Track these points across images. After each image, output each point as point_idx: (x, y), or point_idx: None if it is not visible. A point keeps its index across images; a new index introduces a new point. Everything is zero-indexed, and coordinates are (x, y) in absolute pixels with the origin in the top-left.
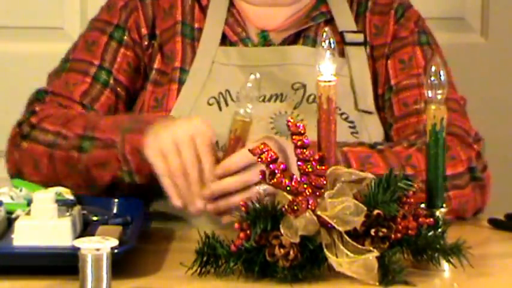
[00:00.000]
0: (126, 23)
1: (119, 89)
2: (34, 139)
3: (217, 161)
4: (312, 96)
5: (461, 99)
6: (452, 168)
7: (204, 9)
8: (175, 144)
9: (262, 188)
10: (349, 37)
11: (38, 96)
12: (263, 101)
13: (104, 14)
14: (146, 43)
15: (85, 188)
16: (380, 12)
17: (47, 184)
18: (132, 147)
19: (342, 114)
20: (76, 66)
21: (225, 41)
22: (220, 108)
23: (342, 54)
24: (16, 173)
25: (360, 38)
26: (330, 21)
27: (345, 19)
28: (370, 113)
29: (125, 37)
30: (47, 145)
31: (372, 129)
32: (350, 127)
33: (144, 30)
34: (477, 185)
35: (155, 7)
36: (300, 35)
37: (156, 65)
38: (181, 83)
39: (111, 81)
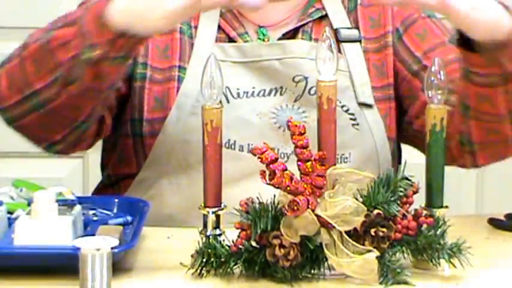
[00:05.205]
0: None
1: None
2: (7, 61)
3: None
4: (314, 88)
5: None
6: None
7: None
8: None
9: None
10: (344, 34)
11: None
12: (263, 95)
13: None
14: None
15: (59, 86)
16: (371, 4)
17: (20, 91)
18: (93, 16)
19: (342, 106)
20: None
21: (222, 36)
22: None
23: (338, 50)
24: None
25: (354, 34)
26: (325, 17)
27: (338, 16)
28: (369, 105)
29: None
30: (17, 55)
31: (372, 122)
32: (351, 119)
33: None
34: None
35: None
36: (298, 31)
37: (150, 61)
38: (180, 81)
39: None
